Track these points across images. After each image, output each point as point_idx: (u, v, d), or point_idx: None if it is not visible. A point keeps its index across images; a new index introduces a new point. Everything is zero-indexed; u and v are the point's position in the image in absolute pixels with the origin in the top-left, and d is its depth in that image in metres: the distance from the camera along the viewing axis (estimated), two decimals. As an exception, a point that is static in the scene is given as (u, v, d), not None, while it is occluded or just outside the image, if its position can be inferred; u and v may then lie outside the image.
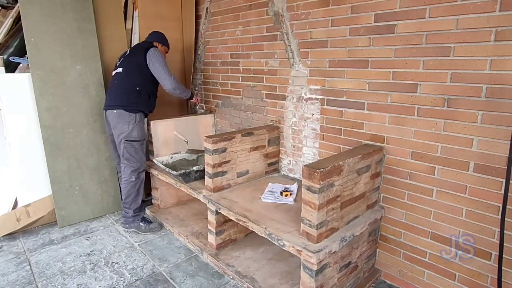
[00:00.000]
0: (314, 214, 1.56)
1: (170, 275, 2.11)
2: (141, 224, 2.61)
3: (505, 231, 1.48)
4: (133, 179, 2.53)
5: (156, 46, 2.62)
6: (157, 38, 2.73)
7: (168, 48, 2.84)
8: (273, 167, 2.64)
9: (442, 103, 1.67)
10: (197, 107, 3.13)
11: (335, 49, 2.12)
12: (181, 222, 2.70)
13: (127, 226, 2.62)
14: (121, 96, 2.47)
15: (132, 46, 2.70)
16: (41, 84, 2.47)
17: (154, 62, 2.48)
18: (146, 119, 2.69)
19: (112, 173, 2.86)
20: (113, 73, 2.60)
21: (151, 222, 2.65)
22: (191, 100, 2.92)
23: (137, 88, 2.48)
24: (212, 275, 2.12)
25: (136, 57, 2.52)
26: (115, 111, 2.44)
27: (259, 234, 1.82)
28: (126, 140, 2.46)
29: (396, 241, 1.98)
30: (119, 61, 2.62)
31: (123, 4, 2.98)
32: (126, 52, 2.65)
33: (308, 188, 1.56)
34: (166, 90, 2.58)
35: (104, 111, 2.54)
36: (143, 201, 2.71)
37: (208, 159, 2.22)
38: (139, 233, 2.61)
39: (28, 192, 2.57)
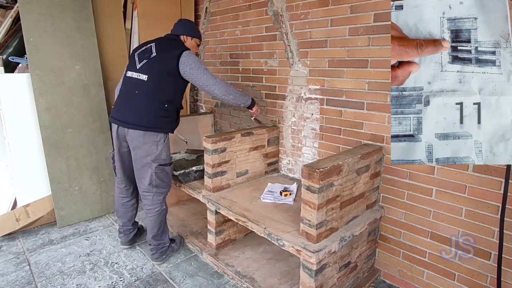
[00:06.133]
0: (313, 214, 1.56)
1: (169, 275, 2.11)
2: (173, 245, 2.32)
3: (504, 231, 1.48)
4: (164, 207, 2.17)
5: (188, 48, 2.06)
6: (185, 30, 2.20)
7: (200, 40, 2.32)
8: (272, 167, 2.64)
9: (441, 103, 1.67)
10: (253, 118, 2.51)
11: (334, 49, 2.11)
12: (180, 222, 2.69)
13: (164, 256, 2.23)
14: (149, 115, 1.97)
15: (155, 41, 2.10)
16: (40, 84, 2.46)
17: (193, 70, 1.98)
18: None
19: (111, 173, 2.85)
20: (131, 75, 2.04)
21: (174, 239, 2.36)
22: (251, 110, 2.33)
23: (166, 106, 2.00)
24: (211, 275, 2.12)
25: (166, 63, 1.98)
26: (141, 132, 1.97)
27: (259, 234, 1.82)
28: (159, 165, 2.03)
29: (396, 241, 1.98)
30: (139, 61, 2.03)
31: (122, 4, 2.98)
32: (149, 49, 2.05)
33: (308, 188, 1.56)
34: (216, 98, 2.18)
35: (117, 126, 2.05)
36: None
37: (208, 159, 2.22)
38: (173, 255, 2.32)
39: (27, 192, 2.56)
